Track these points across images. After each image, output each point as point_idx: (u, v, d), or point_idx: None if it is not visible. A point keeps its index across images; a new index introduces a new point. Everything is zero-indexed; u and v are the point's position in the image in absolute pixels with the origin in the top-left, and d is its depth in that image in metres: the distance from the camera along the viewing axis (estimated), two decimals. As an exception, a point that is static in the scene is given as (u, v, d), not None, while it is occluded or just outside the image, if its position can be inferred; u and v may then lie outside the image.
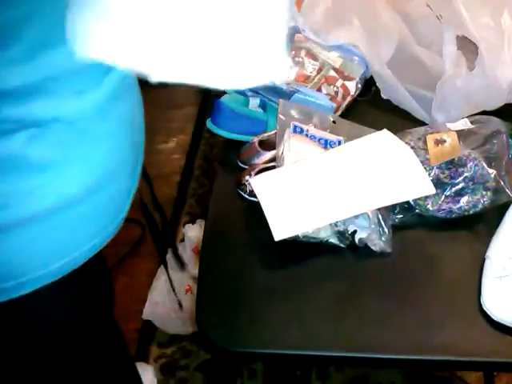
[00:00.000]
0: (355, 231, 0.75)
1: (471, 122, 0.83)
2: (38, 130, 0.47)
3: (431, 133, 0.81)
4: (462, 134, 0.81)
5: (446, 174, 0.78)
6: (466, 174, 0.77)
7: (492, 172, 0.77)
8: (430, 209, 0.77)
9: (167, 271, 0.99)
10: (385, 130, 0.83)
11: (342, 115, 0.97)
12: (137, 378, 0.89)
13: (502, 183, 0.77)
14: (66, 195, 0.52)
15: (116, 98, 0.54)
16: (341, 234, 0.75)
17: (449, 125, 0.83)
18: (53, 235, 0.54)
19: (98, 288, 0.73)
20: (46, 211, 0.51)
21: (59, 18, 0.38)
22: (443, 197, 0.77)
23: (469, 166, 0.78)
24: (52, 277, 0.56)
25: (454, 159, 0.78)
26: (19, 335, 0.64)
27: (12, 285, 0.54)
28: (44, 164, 0.49)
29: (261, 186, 0.78)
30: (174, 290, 1.16)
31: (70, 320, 0.68)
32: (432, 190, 0.73)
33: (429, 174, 0.77)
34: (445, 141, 0.79)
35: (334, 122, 0.90)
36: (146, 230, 0.83)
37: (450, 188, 0.77)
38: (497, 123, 0.82)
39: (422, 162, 0.77)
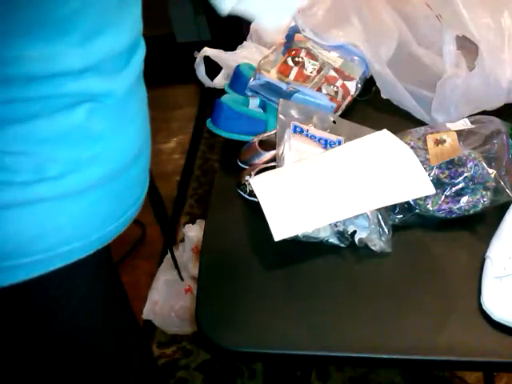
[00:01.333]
0: (355, 231, 0.75)
1: (471, 122, 0.83)
2: (94, 104, 0.54)
3: (431, 133, 0.81)
4: (462, 134, 0.81)
5: (446, 173, 0.78)
6: (466, 174, 0.77)
7: (492, 172, 0.77)
8: (430, 209, 0.77)
9: (171, 252, 1.01)
10: (385, 130, 0.83)
11: (342, 115, 0.97)
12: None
13: (502, 183, 0.76)
14: (116, 164, 0.58)
15: (139, 78, 0.61)
16: (341, 234, 0.75)
17: (449, 125, 0.83)
18: (107, 201, 0.60)
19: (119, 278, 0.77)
20: (102, 178, 0.57)
21: (106, 11, 0.51)
22: (443, 197, 0.77)
23: (469, 165, 0.78)
24: (98, 245, 0.61)
25: (453, 159, 0.78)
26: (64, 305, 0.66)
27: (73, 247, 0.58)
28: (100, 135, 0.56)
29: (261, 186, 0.78)
30: (177, 268, 1.16)
31: (108, 301, 0.74)
32: (432, 190, 0.73)
33: (429, 174, 0.77)
34: (445, 141, 0.79)
35: (334, 121, 0.90)
36: (146, 230, 0.84)
37: (450, 188, 0.77)
38: (497, 123, 0.82)
39: (421, 162, 0.77)
